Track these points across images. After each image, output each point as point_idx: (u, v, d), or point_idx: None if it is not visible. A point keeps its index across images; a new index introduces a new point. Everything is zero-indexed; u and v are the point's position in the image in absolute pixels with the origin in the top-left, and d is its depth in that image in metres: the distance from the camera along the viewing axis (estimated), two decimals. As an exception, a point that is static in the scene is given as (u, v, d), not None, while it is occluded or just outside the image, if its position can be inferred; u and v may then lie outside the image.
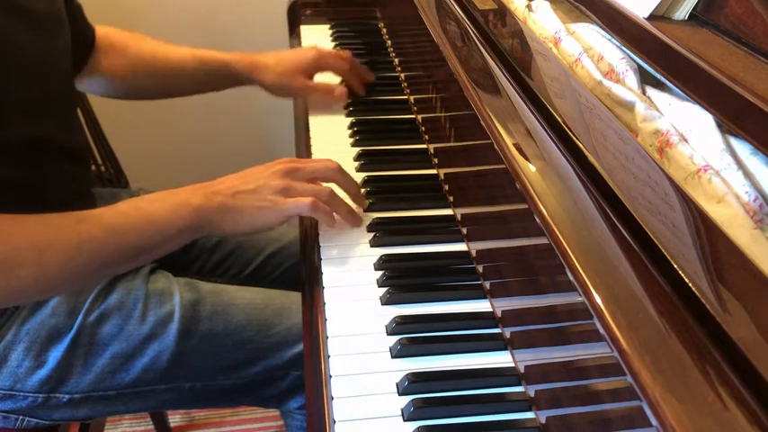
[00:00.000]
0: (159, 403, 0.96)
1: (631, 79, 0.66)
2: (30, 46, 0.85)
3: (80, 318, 0.89)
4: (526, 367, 0.67)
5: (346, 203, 0.88)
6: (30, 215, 0.76)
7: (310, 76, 1.19)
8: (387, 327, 0.75)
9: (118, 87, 1.16)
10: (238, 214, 0.81)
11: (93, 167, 1.51)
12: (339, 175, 0.88)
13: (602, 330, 0.48)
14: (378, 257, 0.84)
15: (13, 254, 0.73)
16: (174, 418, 1.65)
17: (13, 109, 0.84)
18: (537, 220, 0.60)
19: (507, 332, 0.73)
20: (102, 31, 1.14)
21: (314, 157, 1.08)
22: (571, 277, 0.53)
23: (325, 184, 0.86)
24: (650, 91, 0.65)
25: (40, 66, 0.88)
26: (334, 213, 0.86)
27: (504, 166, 0.68)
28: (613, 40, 0.73)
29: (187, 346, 0.91)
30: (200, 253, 1.13)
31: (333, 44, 1.47)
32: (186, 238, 0.82)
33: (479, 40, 0.87)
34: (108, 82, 1.15)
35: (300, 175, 0.85)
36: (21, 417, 0.92)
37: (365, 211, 0.93)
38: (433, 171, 1.03)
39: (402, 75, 1.30)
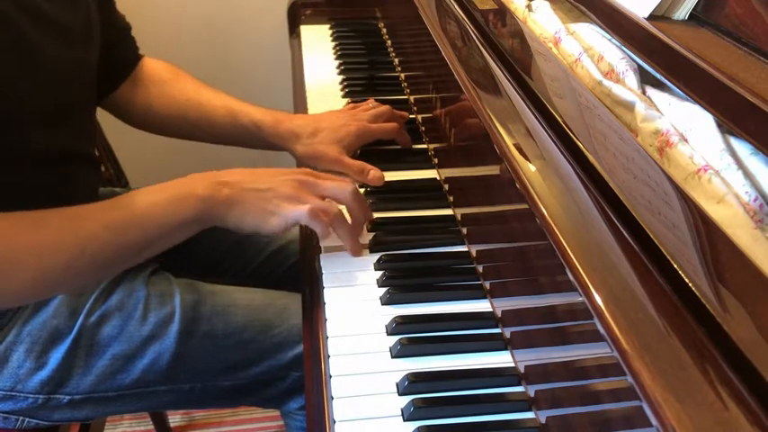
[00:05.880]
0: (159, 404, 0.96)
1: (631, 79, 0.66)
2: (54, 56, 0.84)
3: (81, 319, 0.89)
4: (526, 367, 0.67)
5: (352, 230, 0.85)
6: (28, 214, 0.75)
7: (348, 150, 1.03)
8: (387, 327, 0.75)
9: (146, 121, 1.11)
10: (243, 210, 0.80)
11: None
12: (352, 197, 0.85)
13: (602, 330, 0.48)
14: (378, 257, 0.84)
15: (12, 257, 0.73)
16: (174, 418, 1.65)
17: (33, 117, 0.83)
18: (537, 220, 0.60)
19: (507, 332, 0.73)
20: (152, 63, 1.11)
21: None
22: (571, 277, 0.53)
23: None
24: (650, 91, 0.65)
25: (63, 76, 0.87)
26: (336, 232, 0.84)
27: (504, 166, 0.68)
28: (613, 40, 0.73)
29: (187, 347, 0.91)
30: (200, 253, 1.12)
31: (333, 44, 1.47)
32: (190, 230, 0.81)
33: (479, 40, 0.87)
34: (138, 113, 1.10)
35: (314, 189, 0.83)
36: (21, 417, 0.92)
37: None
38: (433, 171, 1.03)
39: (402, 75, 1.30)
